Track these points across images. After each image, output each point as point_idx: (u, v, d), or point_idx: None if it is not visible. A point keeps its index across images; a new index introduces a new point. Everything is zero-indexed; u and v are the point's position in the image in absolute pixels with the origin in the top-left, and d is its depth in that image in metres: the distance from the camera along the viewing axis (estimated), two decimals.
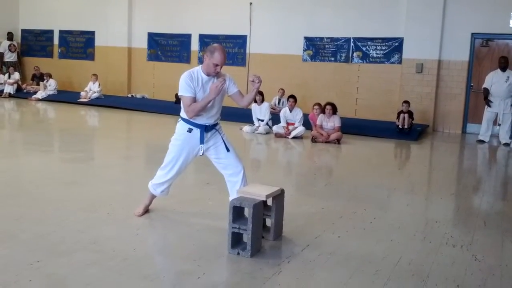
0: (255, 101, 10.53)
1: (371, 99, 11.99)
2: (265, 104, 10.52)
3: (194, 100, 4.04)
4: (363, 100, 12.11)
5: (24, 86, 15.22)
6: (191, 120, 4.13)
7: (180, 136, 4.21)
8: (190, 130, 4.15)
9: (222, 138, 4.25)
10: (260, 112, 10.45)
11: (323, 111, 9.60)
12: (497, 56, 10.48)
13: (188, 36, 14.13)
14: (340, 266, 3.58)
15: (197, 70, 4.11)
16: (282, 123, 9.98)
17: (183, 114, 4.19)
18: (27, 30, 16.84)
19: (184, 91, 4.05)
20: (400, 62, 11.64)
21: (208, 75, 4.08)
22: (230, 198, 4.11)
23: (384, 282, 3.35)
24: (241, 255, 3.64)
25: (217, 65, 3.98)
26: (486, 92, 9.99)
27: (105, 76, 14.87)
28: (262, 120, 10.36)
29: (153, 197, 4.48)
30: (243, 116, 10.62)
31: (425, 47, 11.18)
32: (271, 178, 6.13)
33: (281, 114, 10.10)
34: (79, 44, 15.93)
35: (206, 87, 4.07)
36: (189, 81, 4.04)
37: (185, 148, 4.21)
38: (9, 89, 14.81)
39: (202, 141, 4.16)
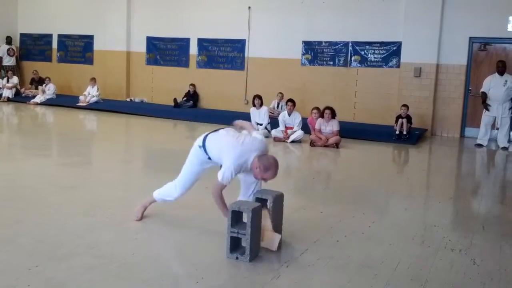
0: (254, 105, 10.54)
1: (370, 103, 12.00)
2: (264, 108, 10.53)
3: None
4: (362, 104, 12.12)
5: (22, 90, 15.21)
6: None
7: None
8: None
9: None
10: (259, 116, 10.45)
11: (321, 115, 9.61)
12: (495, 60, 10.50)
13: (187, 40, 14.14)
14: (339, 270, 3.59)
15: (248, 161, 3.88)
16: (281, 127, 9.98)
17: (204, 142, 4.07)
18: (26, 34, 16.84)
19: (226, 178, 3.83)
20: (398, 66, 11.66)
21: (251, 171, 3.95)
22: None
23: (383, 286, 3.35)
24: (240, 259, 3.64)
25: (265, 180, 3.94)
26: (484, 96, 10.01)
27: (104, 80, 14.86)
28: (261, 124, 10.35)
29: (153, 201, 4.48)
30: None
31: (423, 51, 11.20)
32: (270, 182, 6.11)
33: (280, 118, 10.09)
34: (78, 48, 15.93)
35: (248, 173, 4.02)
36: (238, 169, 3.87)
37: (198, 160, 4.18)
38: (7, 93, 14.79)
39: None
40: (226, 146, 3.92)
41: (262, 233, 3.84)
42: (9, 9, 16.63)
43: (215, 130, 4.16)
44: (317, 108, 9.90)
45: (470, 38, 11.06)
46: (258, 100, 10.47)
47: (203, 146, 4.06)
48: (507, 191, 6.91)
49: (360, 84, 12.14)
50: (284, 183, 6.58)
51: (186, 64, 14.22)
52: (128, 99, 14.80)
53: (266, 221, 3.86)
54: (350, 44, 12.15)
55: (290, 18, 12.66)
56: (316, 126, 9.55)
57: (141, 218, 4.44)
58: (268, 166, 3.85)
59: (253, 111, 10.49)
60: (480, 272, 3.67)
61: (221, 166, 3.94)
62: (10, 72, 15.42)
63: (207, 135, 4.10)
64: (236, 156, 3.84)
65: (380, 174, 7.39)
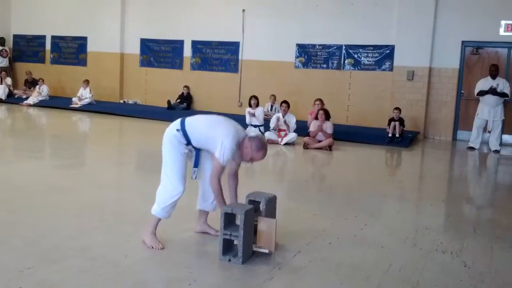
0: (250, 105, 10.54)
1: (363, 106, 12.05)
2: (260, 109, 10.54)
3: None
4: (355, 107, 12.17)
5: (15, 92, 15.13)
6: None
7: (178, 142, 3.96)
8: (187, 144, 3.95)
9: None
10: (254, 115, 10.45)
11: (322, 106, 9.68)
12: (488, 64, 10.58)
13: (181, 42, 14.15)
14: (331, 273, 3.60)
15: (240, 140, 3.86)
16: (272, 125, 9.95)
17: (183, 126, 3.92)
18: (19, 36, 16.79)
19: (226, 156, 3.75)
20: (391, 69, 11.72)
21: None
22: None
23: None
24: (232, 261, 3.65)
25: (254, 161, 3.91)
26: (482, 92, 9.95)
27: (97, 82, 14.83)
28: (255, 126, 10.34)
29: (157, 219, 4.01)
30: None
31: (416, 54, 11.27)
32: (263, 185, 6.14)
33: (273, 118, 10.06)
34: (71, 50, 15.89)
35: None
36: (235, 147, 3.80)
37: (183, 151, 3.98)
38: (0, 94, 14.73)
39: (196, 165, 4.02)
40: (219, 125, 3.85)
41: (259, 237, 3.85)
42: (2, 10, 16.58)
43: (187, 115, 4.04)
44: (320, 100, 9.98)
45: (463, 42, 11.14)
46: (254, 100, 10.50)
47: (182, 129, 3.90)
48: (498, 194, 6.96)
49: (353, 87, 12.19)
50: (277, 186, 6.62)
51: (180, 66, 14.21)
52: (121, 101, 14.77)
53: (272, 232, 3.82)
54: (344, 47, 12.20)
55: (284, 21, 12.70)
56: (311, 128, 9.57)
57: (162, 244, 3.93)
58: (260, 146, 3.85)
59: (248, 111, 10.47)
60: (471, 274, 3.70)
61: (195, 150, 3.94)
62: (3, 73, 15.36)
63: (183, 120, 3.95)
64: (233, 133, 3.80)
65: (372, 176, 7.42)
